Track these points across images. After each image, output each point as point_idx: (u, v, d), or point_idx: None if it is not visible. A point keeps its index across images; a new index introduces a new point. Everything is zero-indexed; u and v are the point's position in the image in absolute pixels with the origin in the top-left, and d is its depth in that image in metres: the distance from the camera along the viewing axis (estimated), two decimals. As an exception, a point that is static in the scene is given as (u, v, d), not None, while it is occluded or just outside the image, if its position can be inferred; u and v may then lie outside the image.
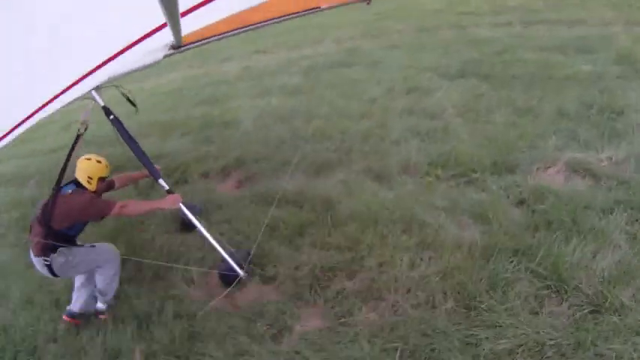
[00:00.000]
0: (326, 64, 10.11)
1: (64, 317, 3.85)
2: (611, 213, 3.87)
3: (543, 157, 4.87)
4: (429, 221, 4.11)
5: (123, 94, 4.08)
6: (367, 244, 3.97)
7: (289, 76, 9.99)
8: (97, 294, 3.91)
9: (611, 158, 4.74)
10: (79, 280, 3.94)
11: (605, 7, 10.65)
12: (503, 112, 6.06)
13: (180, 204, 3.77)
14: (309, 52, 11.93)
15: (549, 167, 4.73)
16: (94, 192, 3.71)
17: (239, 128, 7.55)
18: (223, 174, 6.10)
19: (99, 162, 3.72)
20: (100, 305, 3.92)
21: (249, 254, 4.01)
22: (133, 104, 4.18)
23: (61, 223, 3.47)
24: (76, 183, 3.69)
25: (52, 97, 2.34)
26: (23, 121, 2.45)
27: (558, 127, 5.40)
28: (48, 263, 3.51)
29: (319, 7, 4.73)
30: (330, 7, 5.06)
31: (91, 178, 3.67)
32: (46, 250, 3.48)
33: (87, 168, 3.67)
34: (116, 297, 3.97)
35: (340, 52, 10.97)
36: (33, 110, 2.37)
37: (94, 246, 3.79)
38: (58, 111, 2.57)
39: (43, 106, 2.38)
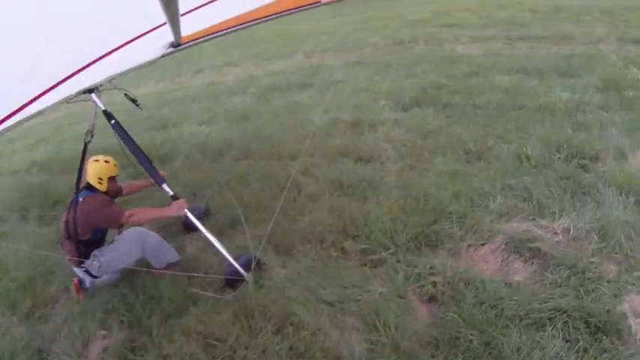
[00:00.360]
0: (283, 85, 9.32)
1: (74, 279, 3.91)
2: (544, 328, 2.81)
3: (480, 227, 3.77)
4: (308, 321, 3.15)
5: (126, 96, 4.01)
6: (236, 341, 3.15)
7: (243, 98, 9.29)
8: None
9: (568, 230, 3.64)
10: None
11: (599, 21, 9.47)
12: (449, 156, 4.98)
13: (186, 210, 3.68)
14: (275, 68, 11.15)
15: (484, 244, 3.65)
16: (107, 193, 3.79)
17: (171, 165, 6.76)
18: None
19: (107, 162, 3.78)
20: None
21: (251, 259, 3.71)
22: (137, 103, 4.09)
23: (84, 234, 3.60)
24: (89, 187, 3.73)
25: (47, 88, 2.29)
26: (16, 112, 2.30)
27: (509, 182, 4.29)
28: (85, 269, 3.71)
29: (319, 2, 4.58)
30: (330, 2, 5.23)
31: (101, 179, 3.74)
32: (80, 260, 3.66)
33: (96, 169, 3.74)
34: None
35: (304, 69, 10.12)
36: (28, 99, 2.28)
37: (116, 240, 3.83)
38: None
39: (39, 96, 2.30)
